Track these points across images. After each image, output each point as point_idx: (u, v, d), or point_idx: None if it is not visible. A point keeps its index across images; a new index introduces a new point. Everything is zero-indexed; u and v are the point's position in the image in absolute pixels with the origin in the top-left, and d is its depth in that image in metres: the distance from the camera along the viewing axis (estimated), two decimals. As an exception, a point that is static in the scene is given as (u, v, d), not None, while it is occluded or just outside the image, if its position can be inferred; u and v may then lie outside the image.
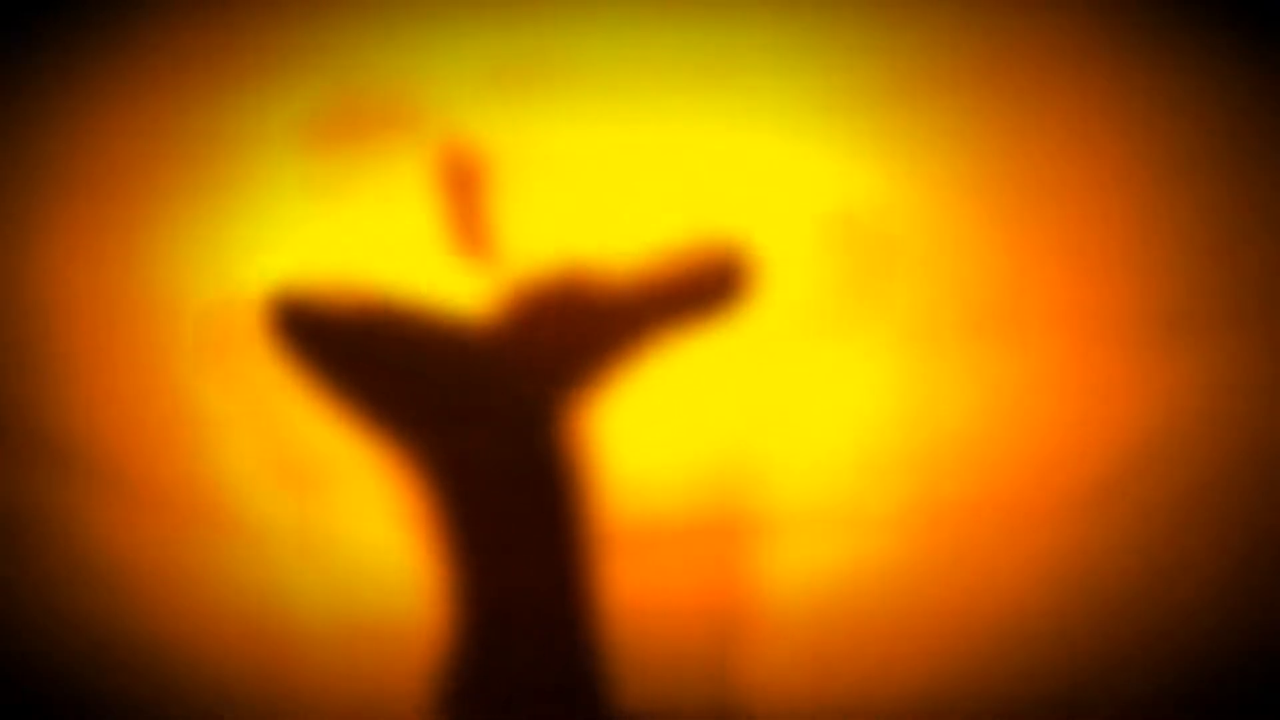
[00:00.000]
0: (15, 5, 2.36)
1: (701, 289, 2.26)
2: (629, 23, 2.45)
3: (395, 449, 2.25)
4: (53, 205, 2.37)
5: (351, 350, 2.35)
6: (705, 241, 2.21)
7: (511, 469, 2.17)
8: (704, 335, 2.42)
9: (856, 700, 2.43)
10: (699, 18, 2.42)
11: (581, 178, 2.44)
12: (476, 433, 2.21)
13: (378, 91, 2.42)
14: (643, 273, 2.28)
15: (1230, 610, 2.35)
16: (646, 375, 2.49)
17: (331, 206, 2.47)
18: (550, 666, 2.06)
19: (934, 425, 2.42)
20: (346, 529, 2.36)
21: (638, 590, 2.40)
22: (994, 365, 2.41)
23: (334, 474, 2.37)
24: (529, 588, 2.08)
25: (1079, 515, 2.39)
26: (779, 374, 2.43)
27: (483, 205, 2.38)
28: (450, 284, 2.37)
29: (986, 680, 2.42)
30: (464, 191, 2.35)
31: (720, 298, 2.26)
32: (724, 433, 2.38)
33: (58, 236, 2.40)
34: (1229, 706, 2.37)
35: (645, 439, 2.41)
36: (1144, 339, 2.40)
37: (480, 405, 2.24)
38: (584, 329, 2.33)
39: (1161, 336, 2.39)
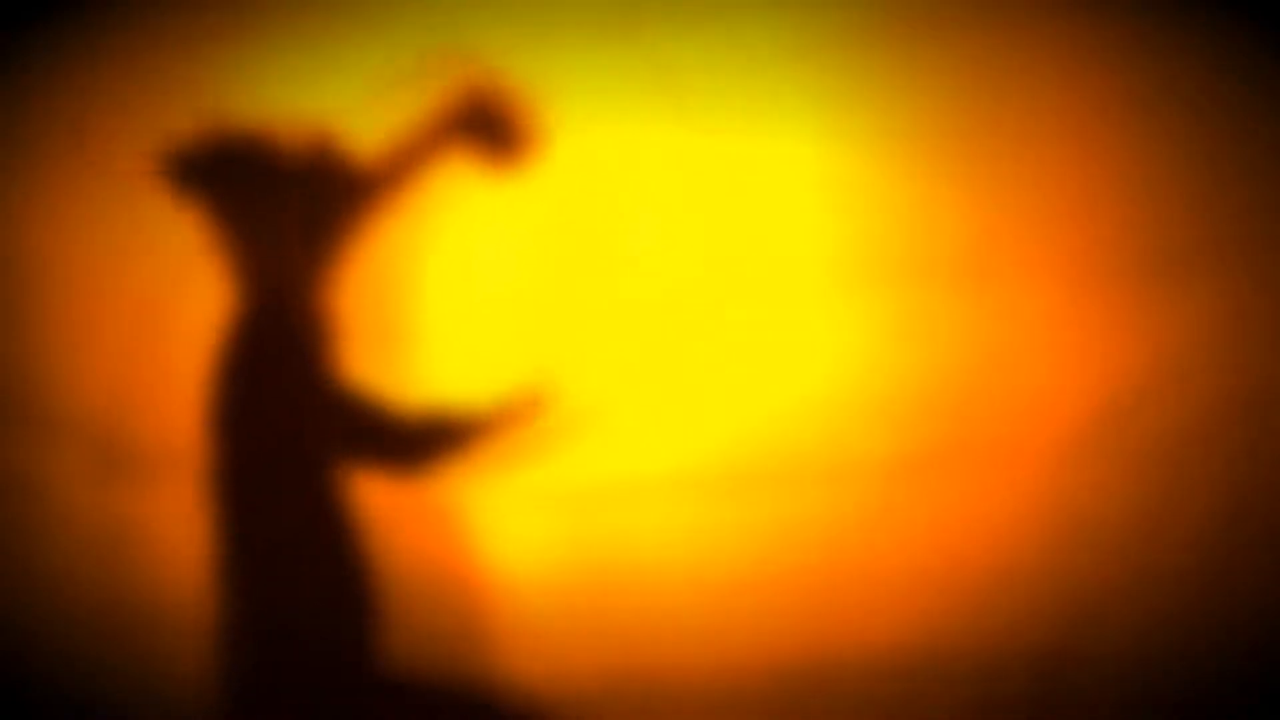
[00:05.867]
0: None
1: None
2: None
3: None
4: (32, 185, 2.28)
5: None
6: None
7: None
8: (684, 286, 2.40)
9: (840, 653, 2.45)
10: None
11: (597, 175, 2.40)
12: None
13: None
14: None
15: (1220, 550, 2.40)
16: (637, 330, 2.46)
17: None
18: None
19: (920, 373, 2.43)
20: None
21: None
22: (979, 313, 2.42)
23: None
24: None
25: (1068, 459, 2.42)
26: (765, 329, 2.42)
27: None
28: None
29: (974, 629, 2.44)
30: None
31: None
32: (713, 383, 2.37)
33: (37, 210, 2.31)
34: (1221, 646, 2.43)
35: (635, 395, 2.39)
36: (1128, 284, 2.40)
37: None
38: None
39: (1145, 281, 2.39)
